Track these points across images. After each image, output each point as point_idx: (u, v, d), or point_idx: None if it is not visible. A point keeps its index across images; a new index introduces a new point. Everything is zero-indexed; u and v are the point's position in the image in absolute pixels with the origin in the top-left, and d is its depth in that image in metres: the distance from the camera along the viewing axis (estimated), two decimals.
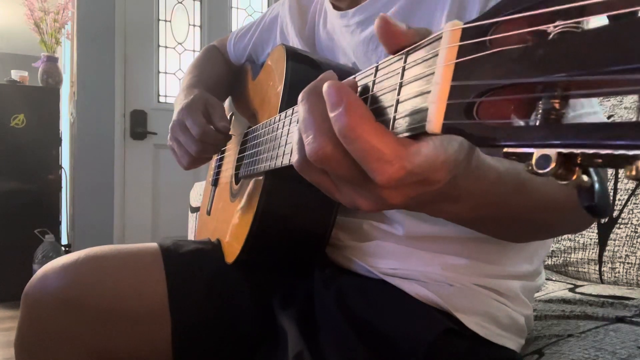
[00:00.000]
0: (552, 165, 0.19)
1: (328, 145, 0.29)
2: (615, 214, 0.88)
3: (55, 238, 2.69)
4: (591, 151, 0.18)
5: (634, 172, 0.17)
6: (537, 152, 0.19)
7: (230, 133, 0.71)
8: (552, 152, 0.19)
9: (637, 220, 0.85)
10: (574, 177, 0.20)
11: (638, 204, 0.85)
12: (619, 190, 0.88)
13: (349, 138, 0.26)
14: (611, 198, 0.89)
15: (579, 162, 0.19)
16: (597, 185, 0.20)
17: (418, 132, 0.26)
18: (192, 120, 0.68)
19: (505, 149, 0.21)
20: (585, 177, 0.20)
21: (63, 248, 2.80)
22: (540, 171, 0.19)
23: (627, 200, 0.87)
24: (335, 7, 0.68)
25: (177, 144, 0.72)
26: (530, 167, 0.20)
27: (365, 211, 0.32)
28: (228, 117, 0.92)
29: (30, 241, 2.61)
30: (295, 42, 0.76)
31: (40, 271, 0.65)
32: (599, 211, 0.21)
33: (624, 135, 0.17)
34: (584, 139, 0.18)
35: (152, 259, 0.68)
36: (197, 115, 0.69)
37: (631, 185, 0.87)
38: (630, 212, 0.86)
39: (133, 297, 0.64)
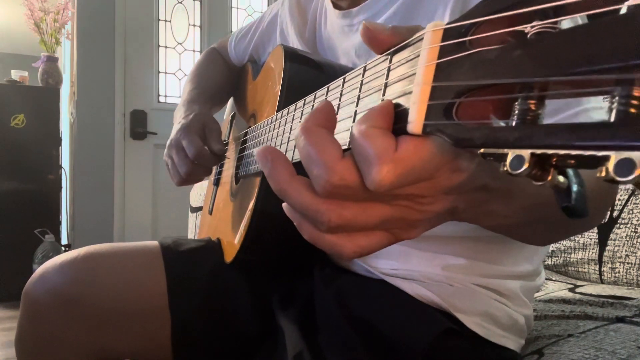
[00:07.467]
0: (526, 165, 0.19)
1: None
2: (615, 214, 0.88)
3: (55, 238, 2.69)
4: (563, 152, 0.17)
5: (603, 174, 0.16)
6: (511, 153, 0.19)
7: (226, 153, 0.73)
8: (525, 153, 0.19)
9: (637, 220, 0.85)
10: (549, 177, 0.19)
11: (638, 204, 0.85)
12: (619, 190, 0.88)
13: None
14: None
15: (554, 163, 0.19)
16: (574, 187, 0.20)
17: (400, 133, 0.25)
18: (189, 141, 0.71)
19: (482, 150, 0.21)
20: (561, 178, 0.20)
21: (63, 248, 2.80)
22: (514, 172, 0.19)
23: (627, 200, 0.87)
24: (336, 7, 0.68)
25: (171, 162, 0.75)
26: (504, 168, 0.19)
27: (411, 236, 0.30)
28: (230, 117, 0.92)
29: (30, 241, 2.60)
30: (295, 42, 0.76)
31: (40, 269, 0.66)
32: (575, 212, 0.20)
33: (593, 136, 0.16)
34: (555, 139, 0.18)
35: (152, 257, 0.68)
36: (193, 136, 0.72)
37: (631, 185, 0.87)
38: (630, 212, 0.86)
39: (132, 294, 0.64)
